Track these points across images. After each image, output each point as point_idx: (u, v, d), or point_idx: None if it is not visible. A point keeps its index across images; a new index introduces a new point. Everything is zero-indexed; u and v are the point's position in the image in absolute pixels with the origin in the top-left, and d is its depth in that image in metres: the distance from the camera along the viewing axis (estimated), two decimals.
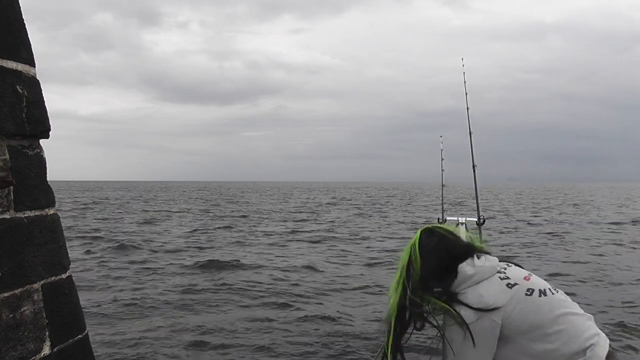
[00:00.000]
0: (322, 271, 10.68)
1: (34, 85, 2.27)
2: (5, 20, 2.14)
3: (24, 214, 2.16)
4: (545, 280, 1.98)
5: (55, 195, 2.42)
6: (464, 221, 4.10)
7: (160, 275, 10.20)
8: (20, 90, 2.17)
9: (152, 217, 25.35)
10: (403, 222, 23.77)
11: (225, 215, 27.24)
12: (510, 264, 2.04)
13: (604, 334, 1.83)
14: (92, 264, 11.35)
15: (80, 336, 2.40)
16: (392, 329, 1.98)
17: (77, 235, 16.86)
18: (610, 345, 1.82)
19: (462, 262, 1.96)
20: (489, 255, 2.01)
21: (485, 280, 1.91)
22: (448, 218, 4.35)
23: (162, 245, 14.69)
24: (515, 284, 1.88)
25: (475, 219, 4.18)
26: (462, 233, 2.12)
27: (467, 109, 4.59)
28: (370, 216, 27.50)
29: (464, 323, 1.82)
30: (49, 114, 2.37)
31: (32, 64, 2.28)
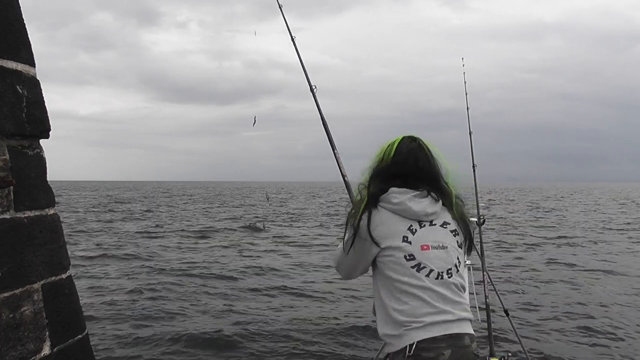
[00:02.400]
0: None
1: (34, 85, 2.27)
2: (5, 20, 2.14)
3: (24, 214, 2.16)
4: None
5: (55, 195, 2.42)
6: None
7: None
8: (20, 90, 2.17)
9: None
10: None
11: None
12: (444, 228, 1.99)
13: (442, 329, 1.86)
14: None
15: (80, 336, 2.41)
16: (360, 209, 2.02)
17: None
18: (443, 340, 1.84)
19: (403, 187, 1.97)
20: (430, 203, 1.97)
21: (399, 217, 1.94)
22: None
23: None
24: (410, 242, 1.91)
25: (475, 219, 4.18)
26: (444, 161, 2.09)
27: (467, 108, 4.59)
28: None
29: (356, 232, 1.95)
30: (48, 114, 2.37)
31: (32, 64, 2.28)
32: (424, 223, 1.95)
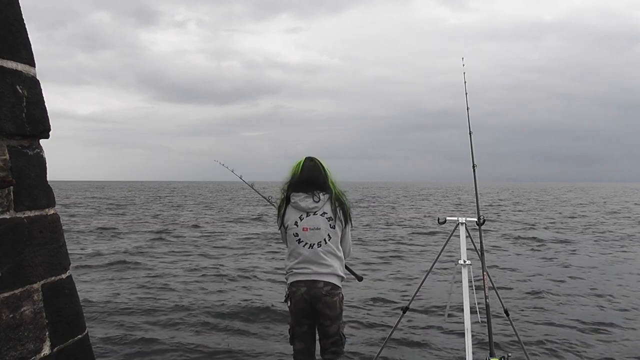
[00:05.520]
0: None
1: (34, 85, 2.27)
2: (5, 20, 2.13)
3: (24, 214, 2.15)
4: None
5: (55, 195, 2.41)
6: (464, 221, 4.11)
7: None
8: (20, 90, 2.17)
9: None
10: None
11: None
12: (322, 216, 3.27)
13: (303, 277, 3.24)
14: None
15: (80, 336, 2.40)
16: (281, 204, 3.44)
17: None
18: (313, 287, 3.23)
19: (303, 191, 3.28)
20: (312, 202, 3.27)
21: (295, 210, 3.31)
22: (448, 218, 4.35)
23: None
24: (297, 226, 3.28)
25: (475, 219, 4.18)
26: (329, 170, 3.40)
27: (467, 108, 4.58)
28: None
29: (278, 217, 3.43)
30: (48, 114, 2.37)
31: (32, 64, 2.28)
32: (309, 214, 3.29)
